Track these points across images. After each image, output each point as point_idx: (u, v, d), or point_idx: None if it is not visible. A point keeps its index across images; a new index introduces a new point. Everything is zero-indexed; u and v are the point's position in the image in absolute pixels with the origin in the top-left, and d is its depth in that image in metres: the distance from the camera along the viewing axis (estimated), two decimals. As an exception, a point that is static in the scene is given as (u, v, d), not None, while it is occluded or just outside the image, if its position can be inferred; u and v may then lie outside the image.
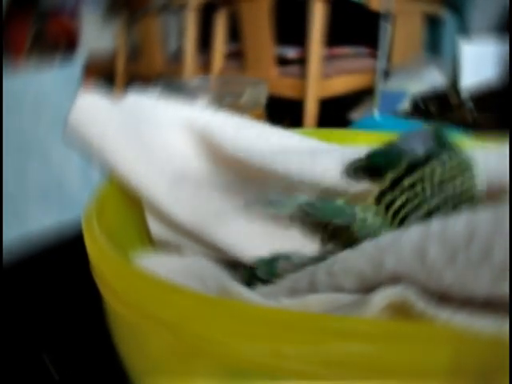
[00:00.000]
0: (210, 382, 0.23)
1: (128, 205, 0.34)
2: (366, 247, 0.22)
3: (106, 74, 1.80)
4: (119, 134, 0.33)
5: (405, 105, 0.73)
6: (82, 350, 0.38)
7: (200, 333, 0.21)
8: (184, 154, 0.35)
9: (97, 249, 0.25)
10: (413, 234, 0.21)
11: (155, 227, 0.34)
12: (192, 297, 0.22)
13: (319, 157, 0.32)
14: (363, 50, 1.52)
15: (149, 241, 0.34)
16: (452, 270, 0.19)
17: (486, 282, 0.19)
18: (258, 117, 0.56)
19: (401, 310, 0.20)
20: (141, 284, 0.23)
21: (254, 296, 0.22)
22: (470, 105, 0.50)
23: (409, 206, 0.26)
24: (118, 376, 0.28)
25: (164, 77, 1.64)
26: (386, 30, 1.36)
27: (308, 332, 0.20)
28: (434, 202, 0.25)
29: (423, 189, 0.25)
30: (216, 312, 0.21)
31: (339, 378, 0.20)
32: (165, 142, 0.35)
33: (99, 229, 0.26)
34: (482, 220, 0.19)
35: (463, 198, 0.26)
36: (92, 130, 0.33)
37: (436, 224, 0.21)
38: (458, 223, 0.20)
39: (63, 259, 0.52)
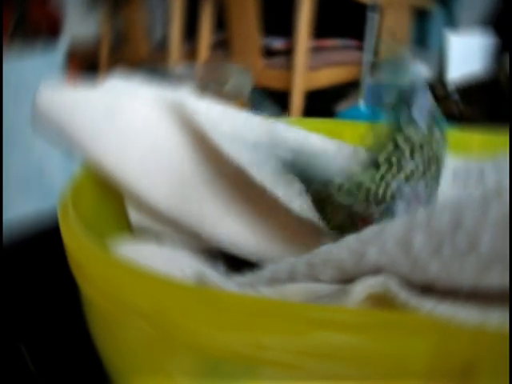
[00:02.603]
0: (188, 373, 0.22)
1: (106, 192, 0.33)
2: (348, 240, 0.22)
3: (89, 62, 1.78)
4: (92, 121, 0.32)
5: (392, 97, 0.72)
6: (59, 341, 0.37)
7: (178, 322, 0.21)
8: (164, 139, 0.34)
9: (72, 237, 0.24)
10: (397, 225, 0.20)
11: (134, 214, 0.33)
12: (170, 286, 0.21)
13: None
14: (350, 42, 1.51)
15: (127, 228, 0.33)
16: (437, 260, 0.19)
17: (472, 272, 0.19)
18: (241, 105, 0.56)
19: (382, 301, 0.20)
20: (117, 272, 0.22)
21: (232, 285, 0.22)
22: (456, 97, 0.50)
23: (389, 177, 0.27)
24: (95, 367, 0.27)
25: (148, 65, 1.62)
26: (373, 22, 1.36)
27: (288, 322, 0.19)
28: (410, 167, 0.26)
29: (398, 160, 0.27)
30: (194, 301, 0.20)
31: (320, 369, 0.19)
32: (145, 127, 0.34)
33: (75, 217, 0.26)
34: (468, 209, 0.19)
35: (432, 163, 0.27)
36: (61, 116, 0.32)
37: (421, 214, 0.20)
38: (443, 212, 0.20)
39: (41, 248, 0.51)
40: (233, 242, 0.31)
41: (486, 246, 0.18)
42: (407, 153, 0.27)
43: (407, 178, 0.27)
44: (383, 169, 0.27)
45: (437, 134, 0.28)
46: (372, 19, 1.35)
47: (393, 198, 0.26)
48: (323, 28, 1.42)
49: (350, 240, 0.22)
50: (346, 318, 0.19)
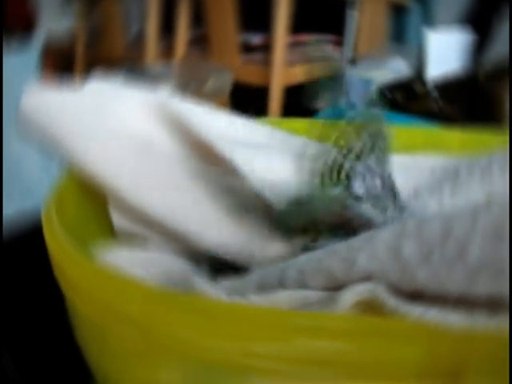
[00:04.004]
0: (177, 382, 0.22)
1: (89, 196, 0.32)
2: (339, 247, 0.22)
3: (65, 59, 1.75)
4: (79, 124, 0.32)
5: (370, 94, 0.73)
6: (43, 349, 0.36)
7: (166, 330, 0.20)
8: (152, 142, 0.33)
9: (57, 245, 0.24)
10: (387, 232, 0.21)
11: (118, 218, 0.33)
12: (157, 293, 0.21)
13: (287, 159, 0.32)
14: (328, 37, 1.52)
15: (111, 233, 0.33)
16: (426, 267, 0.19)
17: (460, 280, 0.19)
18: (222, 104, 0.56)
19: (371, 308, 0.20)
20: (103, 280, 0.22)
21: (220, 293, 0.22)
22: (436, 94, 0.51)
23: (340, 159, 0.29)
24: (81, 375, 0.27)
25: (125, 62, 1.60)
26: (352, 18, 1.36)
27: (277, 329, 0.19)
28: (358, 145, 0.29)
29: (346, 141, 0.29)
30: (182, 309, 0.20)
31: (310, 377, 0.19)
32: (131, 130, 0.33)
33: (59, 224, 0.25)
34: (459, 219, 0.19)
35: (378, 138, 0.30)
36: (47, 120, 0.31)
37: (411, 223, 0.20)
38: (434, 221, 0.20)
39: (23, 251, 0.50)
40: (220, 244, 0.31)
41: (474, 255, 0.18)
42: (353, 133, 0.29)
43: (358, 157, 0.28)
44: (334, 153, 0.29)
45: (375, 111, 0.31)
46: (351, 15, 1.35)
47: (348, 177, 0.28)
48: (301, 23, 1.42)
49: (341, 248, 0.22)
50: (335, 325, 0.19)
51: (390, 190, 0.29)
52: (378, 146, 0.29)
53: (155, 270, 0.28)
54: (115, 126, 0.33)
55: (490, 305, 0.19)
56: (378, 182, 0.29)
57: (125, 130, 0.33)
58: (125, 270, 0.23)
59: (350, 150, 0.29)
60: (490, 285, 0.18)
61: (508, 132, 0.37)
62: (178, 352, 0.21)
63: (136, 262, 0.29)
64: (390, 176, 0.30)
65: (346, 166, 0.28)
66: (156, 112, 0.34)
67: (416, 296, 0.20)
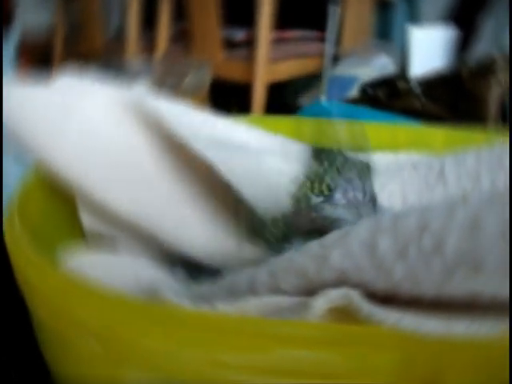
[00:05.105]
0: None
1: (57, 197, 0.31)
2: (311, 246, 0.21)
3: (42, 54, 1.73)
4: (48, 121, 0.30)
5: (354, 91, 0.72)
6: (6, 356, 0.35)
7: (129, 341, 0.19)
8: (123, 140, 0.32)
9: (17, 248, 0.23)
10: (361, 228, 0.20)
11: (87, 219, 0.32)
12: (120, 302, 0.20)
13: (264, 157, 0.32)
14: (313, 33, 1.51)
15: (81, 235, 0.32)
16: (403, 263, 0.19)
17: (437, 275, 0.18)
18: (201, 100, 0.54)
19: (345, 314, 0.19)
20: (63, 286, 0.21)
21: (185, 301, 0.21)
22: (419, 91, 0.50)
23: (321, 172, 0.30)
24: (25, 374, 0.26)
25: (104, 57, 1.58)
26: (334, 14, 1.36)
27: (246, 338, 0.18)
28: (339, 160, 0.30)
29: (327, 156, 0.30)
30: (145, 319, 0.19)
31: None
32: (101, 127, 0.32)
33: (21, 226, 0.24)
34: (435, 213, 0.19)
35: (359, 153, 0.31)
36: (16, 116, 0.30)
37: (386, 219, 0.20)
38: (409, 216, 0.19)
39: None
40: (194, 246, 0.30)
41: (452, 248, 0.18)
42: (335, 149, 0.30)
43: (339, 171, 0.29)
44: (315, 167, 0.30)
45: (356, 127, 0.32)
46: (334, 10, 1.35)
47: (329, 189, 0.29)
48: (285, 19, 1.41)
49: (313, 245, 0.21)
50: (306, 333, 0.18)
51: (372, 201, 0.30)
52: (360, 161, 0.30)
53: (122, 275, 0.27)
54: (85, 123, 0.32)
55: (465, 309, 0.19)
56: (359, 194, 0.29)
57: (94, 127, 0.32)
58: (88, 275, 0.22)
59: (331, 164, 0.30)
60: (467, 279, 0.18)
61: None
62: (142, 363, 0.20)
63: (102, 267, 0.28)
64: (371, 188, 0.30)
65: (327, 179, 0.29)
66: (128, 110, 0.33)
67: (389, 300, 0.19)
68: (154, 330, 0.19)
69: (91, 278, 0.21)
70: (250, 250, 0.30)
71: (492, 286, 0.18)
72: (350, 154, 0.31)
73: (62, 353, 0.23)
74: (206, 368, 0.19)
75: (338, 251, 0.20)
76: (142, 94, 0.34)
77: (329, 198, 0.29)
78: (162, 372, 0.20)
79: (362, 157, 0.32)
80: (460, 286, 0.18)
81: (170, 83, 0.54)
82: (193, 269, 0.30)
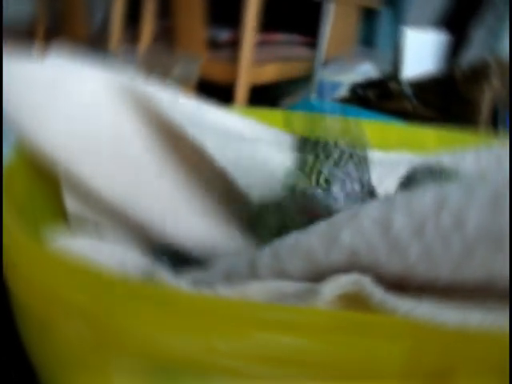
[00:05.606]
0: (130, 379, 0.20)
1: (41, 177, 0.30)
2: (319, 225, 0.20)
3: (24, 44, 1.69)
4: (36, 99, 0.29)
5: (338, 96, 0.72)
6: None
7: (121, 324, 0.18)
8: (114, 123, 0.31)
9: (4, 230, 0.21)
10: (373, 207, 0.19)
11: (72, 202, 0.30)
12: (110, 280, 0.19)
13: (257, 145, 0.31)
14: (298, 37, 1.51)
15: (64, 218, 0.30)
16: (419, 242, 0.18)
17: (455, 254, 0.18)
18: (188, 93, 0.53)
19: (355, 302, 0.18)
20: (47, 264, 0.20)
21: (183, 282, 0.19)
22: (410, 93, 0.50)
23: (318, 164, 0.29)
24: (25, 374, 0.26)
25: (87, 49, 1.55)
26: (327, 17, 1.36)
27: (243, 324, 0.17)
28: (336, 153, 0.29)
29: (324, 149, 0.30)
30: (139, 299, 0.18)
31: (281, 377, 0.18)
32: (91, 109, 0.31)
33: (7, 206, 0.23)
34: (452, 191, 0.18)
35: (357, 146, 0.31)
36: (8, 95, 0.29)
37: (400, 197, 0.19)
38: (425, 195, 0.19)
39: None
40: (183, 234, 0.29)
41: (472, 225, 0.17)
42: (331, 142, 0.30)
43: (336, 163, 0.29)
44: (311, 160, 0.29)
45: (351, 122, 0.32)
46: (327, 13, 1.35)
47: (327, 182, 0.28)
48: (270, 22, 1.41)
49: (321, 225, 0.20)
50: (310, 321, 0.17)
51: (370, 193, 0.29)
52: (358, 155, 0.30)
53: (108, 260, 0.25)
54: (74, 106, 0.30)
55: (481, 297, 0.18)
56: (357, 186, 0.29)
57: (83, 110, 0.31)
58: (79, 256, 0.21)
59: (327, 156, 0.29)
60: (488, 258, 0.17)
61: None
62: (134, 348, 0.19)
63: (87, 251, 0.26)
64: (369, 181, 0.30)
65: (325, 171, 0.29)
66: (119, 93, 0.32)
67: (401, 287, 0.18)
68: (147, 313, 0.18)
69: (79, 258, 0.19)
70: (241, 240, 0.29)
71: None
72: (346, 147, 0.30)
73: (44, 341, 0.22)
74: (200, 355, 0.18)
75: (348, 230, 0.19)
76: (133, 78, 0.33)
77: (326, 190, 0.28)
78: (154, 359, 0.19)
79: (358, 150, 0.31)
80: (479, 267, 0.18)
81: (157, 75, 0.53)
82: (179, 259, 0.29)
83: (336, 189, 0.28)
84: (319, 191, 0.28)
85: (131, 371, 0.20)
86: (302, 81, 1.38)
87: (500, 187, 0.17)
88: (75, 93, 0.31)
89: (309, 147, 0.31)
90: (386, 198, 0.20)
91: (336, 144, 0.30)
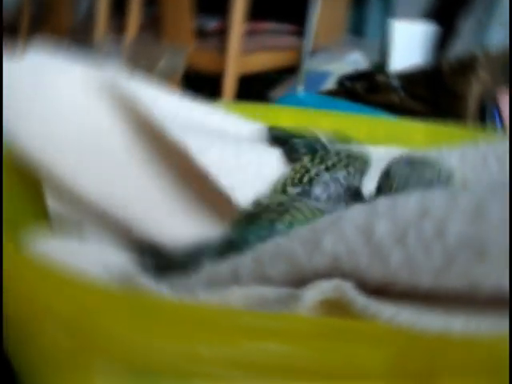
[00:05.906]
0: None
1: (22, 177, 0.30)
2: (301, 231, 0.20)
3: (8, 32, 1.67)
4: (16, 97, 0.29)
5: (328, 85, 0.72)
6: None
7: (98, 330, 0.18)
8: (95, 121, 0.31)
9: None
10: (356, 213, 0.19)
11: (53, 202, 0.30)
12: (88, 286, 0.19)
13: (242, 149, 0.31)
14: (286, 26, 1.50)
15: (45, 218, 0.30)
16: (401, 249, 0.18)
17: (437, 261, 0.18)
18: (173, 86, 0.53)
19: (337, 307, 0.18)
20: (25, 269, 0.20)
21: (163, 288, 0.19)
22: (398, 86, 0.50)
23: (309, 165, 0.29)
24: (6, 378, 0.25)
25: (72, 39, 1.54)
26: (315, 5, 1.35)
27: (225, 331, 0.17)
28: (332, 160, 0.30)
29: (321, 156, 0.30)
30: (118, 305, 0.18)
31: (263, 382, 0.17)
32: (72, 107, 0.31)
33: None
34: (436, 197, 0.18)
35: (357, 160, 0.31)
36: None
37: (383, 203, 0.19)
38: (408, 201, 0.19)
39: None
40: (165, 233, 0.29)
41: (454, 232, 0.17)
42: (333, 151, 0.30)
43: (327, 168, 0.29)
44: (306, 160, 0.30)
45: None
46: (315, 2, 1.34)
47: (310, 182, 0.28)
48: (259, 10, 1.40)
49: (302, 230, 0.20)
50: (292, 327, 0.17)
51: (355, 196, 0.30)
52: (355, 166, 0.30)
53: (90, 262, 0.25)
54: (55, 101, 0.30)
55: (463, 304, 0.18)
56: (341, 191, 0.29)
57: (66, 106, 0.30)
58: (60, 260, 0.20)
59: (322, 161, 0.30)
60: (469, 266, 0.17)
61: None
62: (116, 354, 0.19)
63: (69, 253, 0.26)
64: (358, 186, 0.30)
65: (312, 172, 0.29)
66: (101, 91, 0.31)
67: (383, 292, 0.18)
68: (127, 319, 0.18)
69: (59, 263, 0.19)
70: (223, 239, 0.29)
71: (495, 275, 0.17)
72: (346, 155, 0.31)
73: (24, 346, 0.22)
74: (181, 362, 0.18)
75: (330, 236, 0.19)
76: (115, 74, 0.32)
77: (305, 189, 0.28)
78: (134, 366, 0.19)
79: (347, 148, 0.31)
80: (461, 274, 0.18)
81: (143, 66, 0.52)
82: (161, 258, 0.29)
83: (318, 190, 0.28)
84: (299, 193, 0.28)
85: (113, 376, 0.19)
86: (291, 70, 1.37)
87: (483, 196, 0.17)
88: (56, 92, 0.30)
89: (293, 145, 0.31)
90: (369, 202, 0.20)
91: (338, 154, 0.30)
